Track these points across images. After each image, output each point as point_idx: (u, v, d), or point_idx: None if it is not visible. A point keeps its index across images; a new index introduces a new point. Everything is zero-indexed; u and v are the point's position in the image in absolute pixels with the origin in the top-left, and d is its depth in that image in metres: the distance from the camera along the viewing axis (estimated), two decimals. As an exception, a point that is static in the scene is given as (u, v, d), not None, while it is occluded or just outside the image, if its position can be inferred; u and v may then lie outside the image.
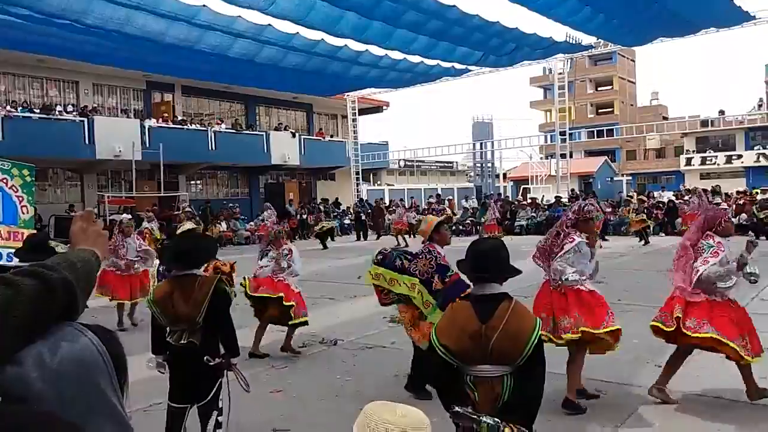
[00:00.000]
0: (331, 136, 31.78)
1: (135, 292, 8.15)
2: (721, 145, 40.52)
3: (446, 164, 54.56)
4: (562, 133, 27.11)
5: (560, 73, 27.30)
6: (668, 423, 4.20)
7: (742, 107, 55.23)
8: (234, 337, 3.69)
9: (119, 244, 8.19)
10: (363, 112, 32.18)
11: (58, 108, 21.63)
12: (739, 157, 38.51)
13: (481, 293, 2.65)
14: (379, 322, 7.72)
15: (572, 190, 25.46)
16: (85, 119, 21.22)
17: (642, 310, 7.80)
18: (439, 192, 35.86)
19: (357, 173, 30.97)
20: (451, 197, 31.90)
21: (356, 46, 16.35)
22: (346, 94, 28.45)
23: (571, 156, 30.38)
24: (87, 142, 20.90)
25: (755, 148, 38.48)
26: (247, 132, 26.83)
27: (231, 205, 23.64)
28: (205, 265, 5.66)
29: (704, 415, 4.32)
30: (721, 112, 42.37)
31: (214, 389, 3.65)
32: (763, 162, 36.97)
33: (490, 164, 40.04)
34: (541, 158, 39.71)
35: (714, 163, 39.37)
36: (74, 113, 21.60)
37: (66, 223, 1.64)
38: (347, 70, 18.62)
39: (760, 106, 42.37)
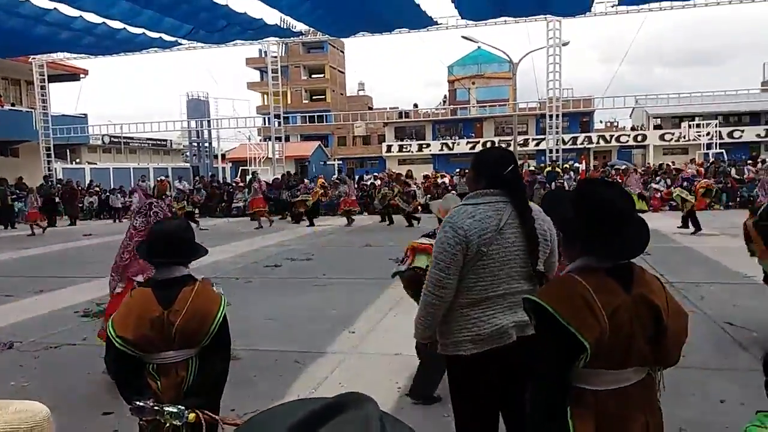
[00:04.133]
0: (13, 105, 27.02)
1: None
2: (415, 135, 46.32)
3: (160, 142, 51.12)
4: (278, 116, 27.71)
5: (274, 57, 27.74)
6: (354, 382, 4.64)
7: (432, 102, 63.90)
8: None
9: None
10: (55, 79, 28.03)
11: None
12: (428, 145, 44.56)
13: (163, 278, 2.52)
14: (68, 318, 6.87)
15: (288, 172, 26.26)
16: None
17: (344, 282, 8.50)
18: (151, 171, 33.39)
19: (48, 149, 26.93)
20: (163, 177, 29.99)
21: (42, 2, 14.13)
22: (32, 57, 24.41)
23: (287, 139, 31.23)
24: None
25: (438, 138, 45.02)
26: None
27: None
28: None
29: (394, 372, 4.89)
30: (415, 106, 48.49)
31: None
32: (445, 150, 43.46)
33: (207, 144, 38.83)
34: (260, 140, 40.02)
35: (409, 151, 44.80)
36: None
37: None
38: (30, 28, 15.97)
39: (444, 102, 49.68)
